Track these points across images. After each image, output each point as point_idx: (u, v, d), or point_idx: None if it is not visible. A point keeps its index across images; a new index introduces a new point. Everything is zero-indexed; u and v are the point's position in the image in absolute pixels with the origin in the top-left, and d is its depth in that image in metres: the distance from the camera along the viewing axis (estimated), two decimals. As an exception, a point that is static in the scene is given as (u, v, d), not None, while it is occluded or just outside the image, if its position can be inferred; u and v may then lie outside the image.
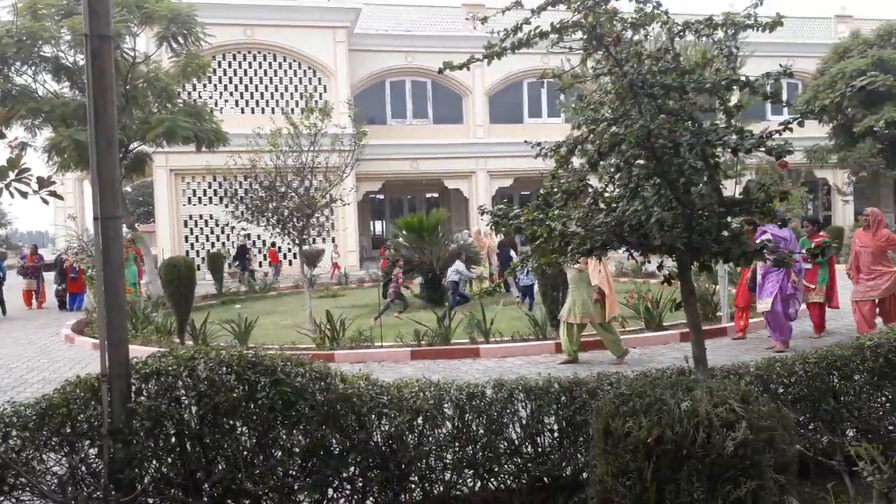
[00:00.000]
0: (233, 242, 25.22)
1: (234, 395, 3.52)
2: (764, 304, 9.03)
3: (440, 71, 3.45)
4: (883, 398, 4.33)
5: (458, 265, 13.57)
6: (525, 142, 4.99)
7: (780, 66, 3.82)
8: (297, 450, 3.69)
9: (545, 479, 3.95)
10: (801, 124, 3.55)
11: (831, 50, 26.05)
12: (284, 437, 3.69)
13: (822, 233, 9.73)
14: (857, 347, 4.32)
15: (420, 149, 28.63)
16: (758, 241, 4.03)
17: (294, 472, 3.73)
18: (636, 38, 3.67)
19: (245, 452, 3.62)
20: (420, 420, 3.88)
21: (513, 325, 10.60)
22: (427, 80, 29.38)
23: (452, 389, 4.02)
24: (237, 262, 22.71)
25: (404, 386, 3.99)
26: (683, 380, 2.41)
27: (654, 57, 4.04)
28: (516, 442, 3.99)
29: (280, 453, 3.68)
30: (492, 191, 29.49)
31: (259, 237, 25.56)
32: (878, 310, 8.90)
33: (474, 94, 29.77)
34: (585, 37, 3.36)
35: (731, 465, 2.07)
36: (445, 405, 3.97)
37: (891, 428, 4.25)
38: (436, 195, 33.26)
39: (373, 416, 3.84)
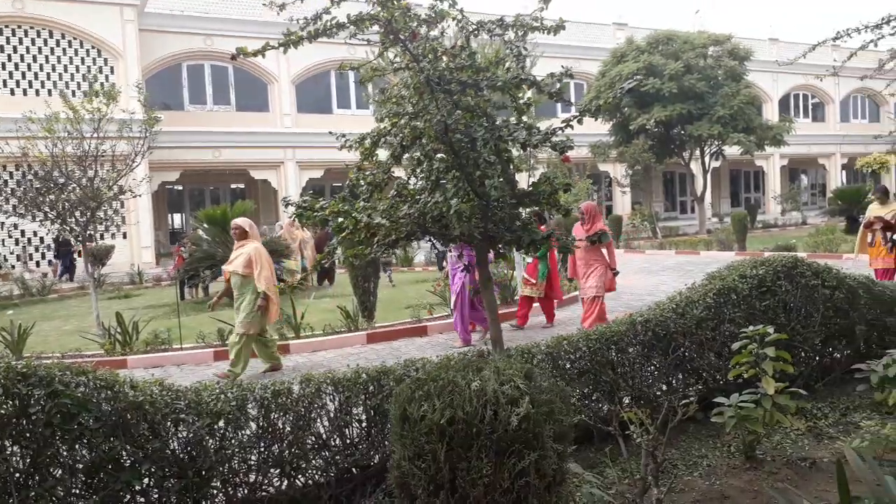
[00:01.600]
0: (41, 238, 22.28)
1: (2, 411, 3.12)
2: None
3: (233, 57, 3.30)
4: (652, 367, 4.90)
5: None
6: (329, 132, 4.95)
7: (562, 67, 4.14)
8: (81, 466, 3.35)
9: (353, 469, 3.97)
10: (580, 122, 3.90)
11: (610, 54, 28.85)
12: (66, 453, 3.34)
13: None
14: (630, 324, 4.84)
15: (222, 137, 27.18)
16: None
17: (78, 491, 3.39)
18: (433, 34, 3.77)
19: (17, 474, 3.22)
20: (221, 423, 3.71)
21: (325, 318, 10.49)
22: (228, 66, 27.94)
23: (257, 388, 3.89)
24: (59, 260, 19.77)
25: (203, 389, 3.78)
26: (476, 361, 2.55)
27: (451, 54, 4.21)
28: (324, 436, 3.96)
29: (60, 471, 3.32)
30: (302, 182, 28.85)
31: (35, 234, 22.79)
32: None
33: (280, 83, 28.86)
34: (382, 31, 3.40)
35: (516, 438, 2.23)
36: (249, 405, 3.83)
37: (658, 393, 4.82)
38: (242, 186, 31.83)
39: (168, 422, 3.60)
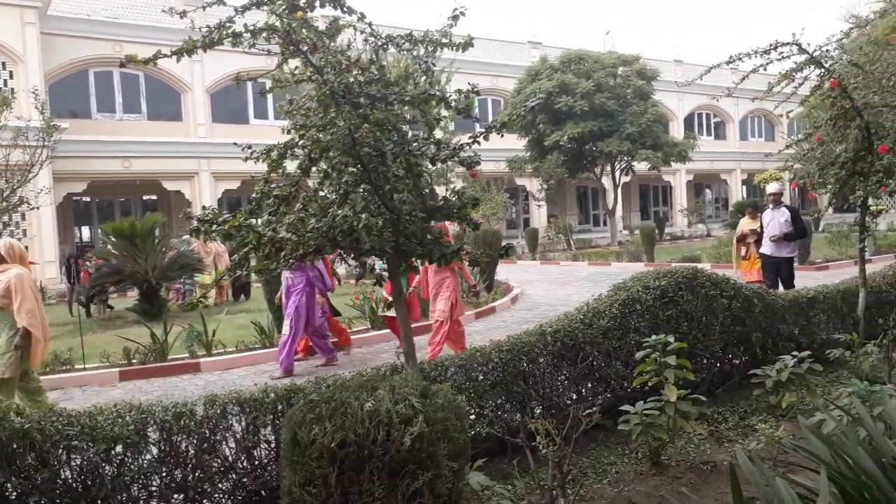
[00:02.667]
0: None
1: None
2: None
3: (122, 64, 3.16)
4: (562, 377, 5.00)
5: None
6: (235, 143, 4.82)
7: (469, 84, 4.19)
8: (-43, 504, 3.10)
9: (262, 491, 3.86)
10: (485, 138, 3.95)
11: (526, 72, 29.60)
12: (-62, 492, 3.09)
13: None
14: (541, 334, 4.93)
15: (132, 146, 26.02)
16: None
17: (-47, 531, 3.14)
18: (335, 46, 3.74)
19: None
20: (119, 448, 3.52)
21: (239, 335, 10.19)
22: (140, 73, 26.86)
23: (158, 411, 3.71)
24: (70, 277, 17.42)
25: (99, 413, 3.58)
26: (372, 381, 2.51)
27: (360, 67, 4.19)
28: (231, 458, 3.83)
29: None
30: (218, 193, 27.97)
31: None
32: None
33: (194, 91, 27.96)
34: (281, 42, 3.34)
35: (410, 459, 2.20)
36: (150, 429, 3.65)
37: (569, 402, 4.92)
38: (154, 198, 30.56)
39: (60, 450, 3.39)
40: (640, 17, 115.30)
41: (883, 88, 6.29)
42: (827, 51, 6.24)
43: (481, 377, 4.63)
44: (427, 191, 4.60)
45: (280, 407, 3.97)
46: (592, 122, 26.53)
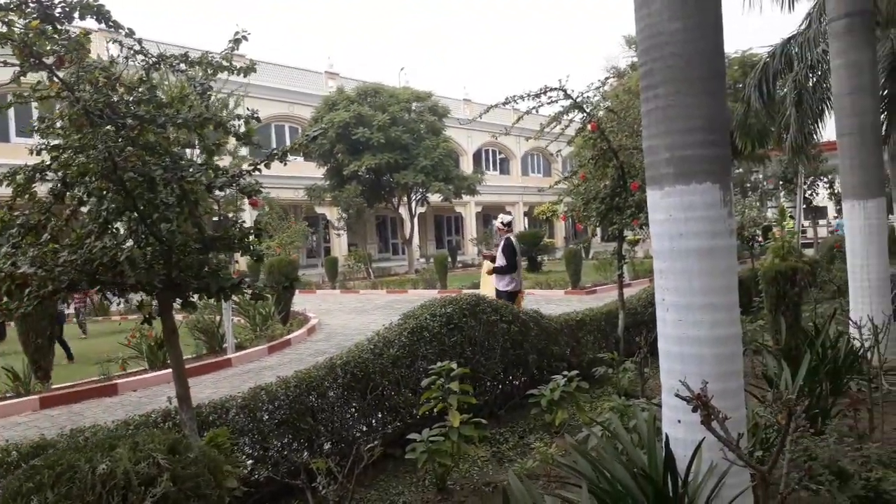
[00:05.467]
0: None
1: None
2: None
3: None
4: (352, 409, 4.93)
5: None
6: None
7: (248, 109, 4.04)
8: None
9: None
10: (267, 166, 3.82)
11: (323, 101, 29.58)
12: None
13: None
14: (330, 367, 4.83)
15: None
16: None
17: None
18: (97, 62, 3.41)
19: None
20: None
21: (-16, 383, 8.78)
22: None
23: None
24: None
25: None
26: (110, 439, 2.23)
27: (128, 86, 3.85)
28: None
29: None
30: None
31: None
32: None
33: (-68, 102, 24.02)
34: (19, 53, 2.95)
35: (150, 523, 1.98)
36: None
37: (358, 434, 4.85)
38: None
39: None
40: (432, 55, 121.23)
41: (634, 133, 7.14)
42: (588, 97, 6.96)
43: (266, 417, 4.41)
44: (219, 219, 4.34)
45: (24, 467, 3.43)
46: (389, 154, 27.14)
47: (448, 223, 46.26)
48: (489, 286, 9.88)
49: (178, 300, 4.07)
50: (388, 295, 21.35)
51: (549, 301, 16.07)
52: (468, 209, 42.92)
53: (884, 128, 9.32)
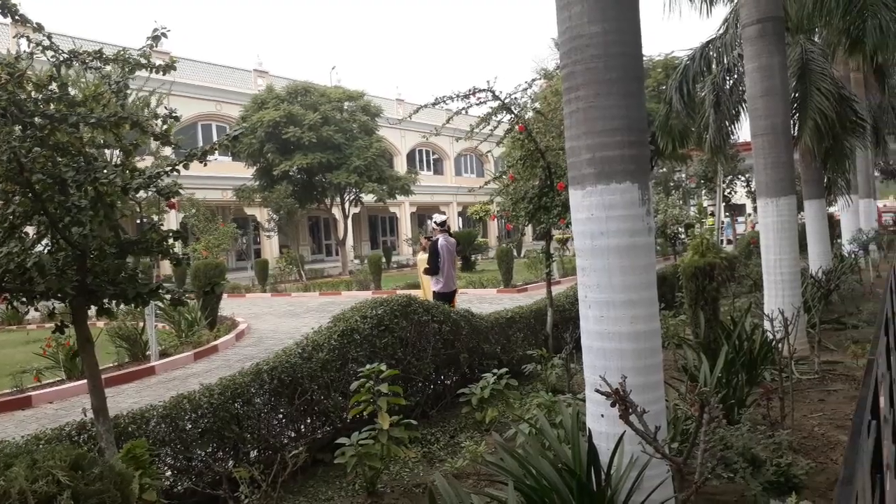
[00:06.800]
0: None
1: None
2: None
3: None
4: (280, 415, 4.84)
5: None
6: None
7: (167, 108, 3.91)
8: None
9: None
10: (186, 167, 3.70)
11: (252, 100, 28.93)
12: None
13: None
14: (256, 373, 4.73)
15: None
16: None
17: None
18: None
19: None
20: None
21: None
22: None
23: None
24: None
25: None
26: (5, 457, 2.11)
27: (37, 84, 3.67)
28: None
29: None
30: None
31: None
32: None
33: None
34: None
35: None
36: None
37: (286, 441, 4.76)
38: None
39: None
40: (364, 54, 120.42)
41: (560, 134, 7.27)
42: (516, 98, 7.05)
43: (190, 426, 4.28)
44: (141, 221, 4.16)
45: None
46: (321, 153, 26.78)
47: (383, 223, 46.05)
48: (427, 288, 9.98)
49: (94, 307, 3.91)
50: (320, 297, 21.07)
51: (481, 300, 16.22)
52: (403, 209, 42.84)
53: (794, 129, 9.81)
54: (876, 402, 2.67)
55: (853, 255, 13.67)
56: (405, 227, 43.30)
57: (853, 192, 15.68)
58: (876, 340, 3.24)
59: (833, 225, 17.30)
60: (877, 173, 29.37)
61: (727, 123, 11.49)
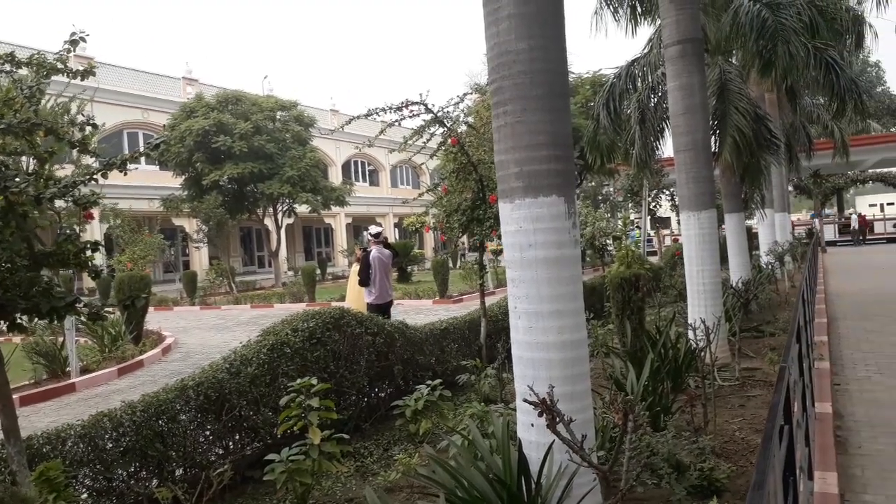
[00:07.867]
0: None
1: None
2: None
3: None
4: (207, 432, 4.69)
5: None
6: None
7: (84, 115, 3.77)
8: None
9: None
10: (104, 175, 3.57)
11: (180, 108, 28.15)
12: None
13: None
14: (181, 389, 4.58)
15: None
16: None
17: None
18: None
19: None
20: None
21: None
22: None
23: None
24: None
25: None
26: None
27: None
28: None
29: None
30: None
31: None
32: None
33: None
34: None
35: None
36: None
37: (213, 458, 4.62)
38: None
39: None
40: (298, 65, 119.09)
41: (492, 148, 7.37)
42: (448, 112, 7.11)
43: (110, 445, 4.10)
44: (60, 232, 3.98)
45: None
46: (252, 163, 26.27)
47: (318, 234, 45.48)
48: (359, 299, 9.87)
49: (4, 322, 3.71)
50: (252, 310, 20.61)
51: (417, 311, 16.21)
52: (338, 220, 42.49)
53: (715, 145, 10.25)
54: (788, 407, 2.81)
55: (770, 267, 14.34)
56: (341, 239, 42.94)
57: (769, 207, 16.47)
58: (787, 348, 3.41)
59: (751, 237, 18.12)
60: (791, 188, 31.01)
61: (652, 139, 11.91)
